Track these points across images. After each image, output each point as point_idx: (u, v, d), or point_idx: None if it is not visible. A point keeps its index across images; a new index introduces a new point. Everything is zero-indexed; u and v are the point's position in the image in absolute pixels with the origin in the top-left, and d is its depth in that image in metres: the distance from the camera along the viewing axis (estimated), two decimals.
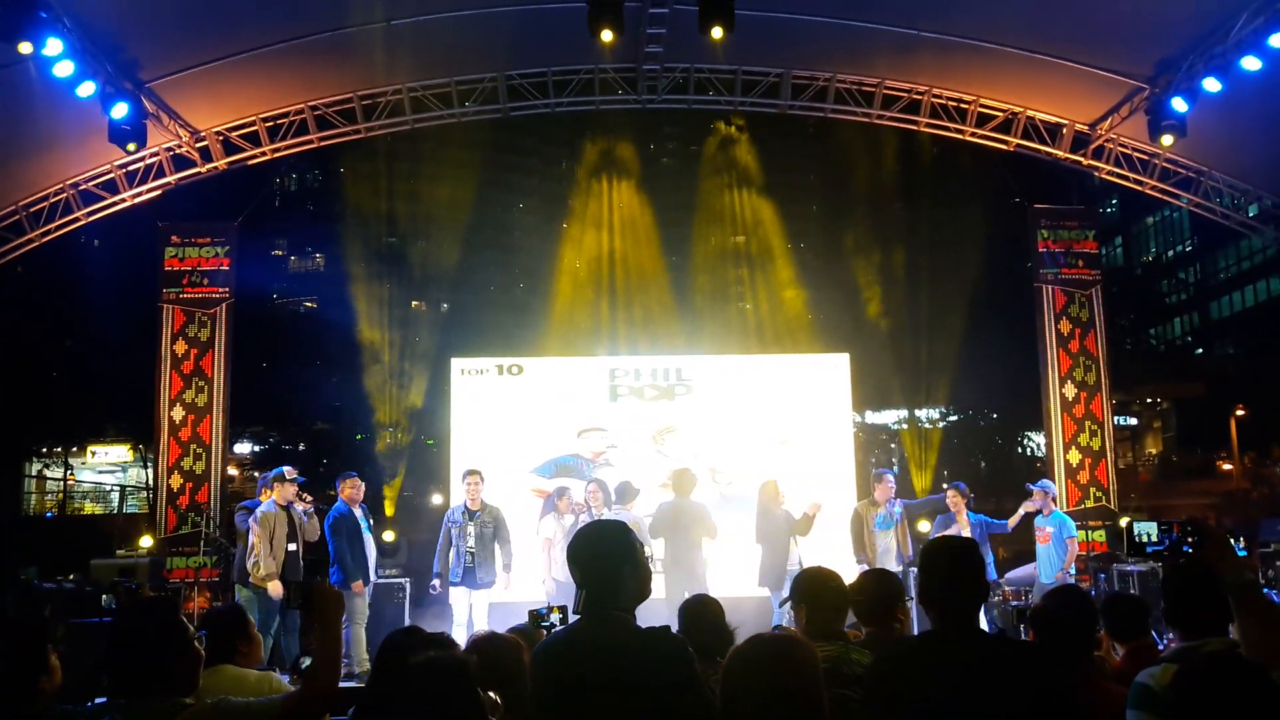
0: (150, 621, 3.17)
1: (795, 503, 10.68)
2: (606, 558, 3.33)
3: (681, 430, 12.67)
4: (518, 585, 10.55)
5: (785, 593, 7.74)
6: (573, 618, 3.42)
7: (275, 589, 9.24)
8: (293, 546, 9.73)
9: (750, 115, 14.82)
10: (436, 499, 15.01)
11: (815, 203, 28.47)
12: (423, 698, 2.43)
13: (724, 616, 4.47)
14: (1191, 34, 10.90)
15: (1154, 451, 38.80)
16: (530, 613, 4.32)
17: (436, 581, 10.37)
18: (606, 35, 10.18)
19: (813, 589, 4.04)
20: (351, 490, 10.19)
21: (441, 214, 28.57)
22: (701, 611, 4.32)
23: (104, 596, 10.23)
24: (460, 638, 9.85)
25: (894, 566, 10.18)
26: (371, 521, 10.43)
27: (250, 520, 9.68)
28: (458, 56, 12.49)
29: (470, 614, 10.14)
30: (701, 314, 25.40)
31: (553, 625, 4.14)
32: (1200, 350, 44.20)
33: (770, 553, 10.41)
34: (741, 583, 10.84)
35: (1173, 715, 2.84)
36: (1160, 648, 4.50)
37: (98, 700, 3.22)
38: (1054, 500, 11.17)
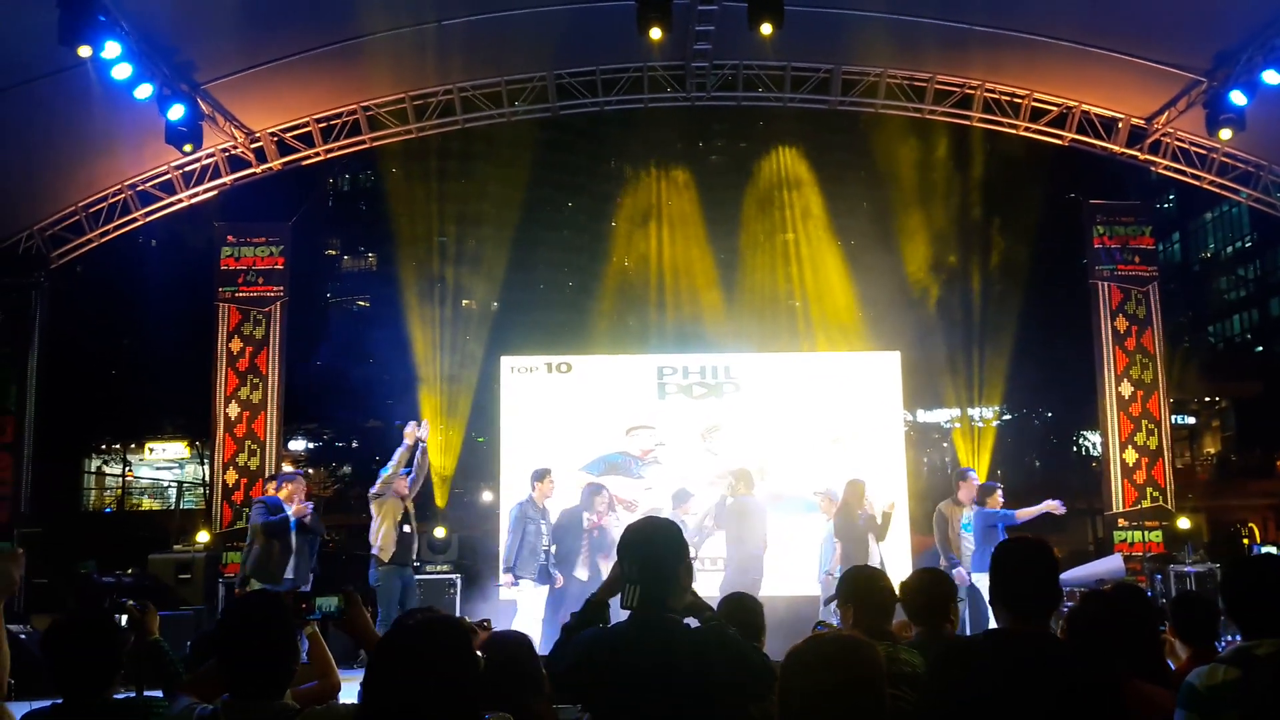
0: (264, 618, 3.10)
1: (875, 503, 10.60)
2: (666, 557, 3.33)
3: (729, 428, 12.64)
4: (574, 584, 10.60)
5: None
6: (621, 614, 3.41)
7: None
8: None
9: (800, 111, 14.70)
10: (486, 496, 15.12)
11: (866, 199, 28.26)
12: (415, 656, 2.43)
13: (762, 616, 4.46)
14: (1250, 25, 10.70)
15: (1212, 451, 38.10)
16: (573, 615, 4.32)
17: (509, 577, 10.31)
18: (655, 33, 10.18)
19: (860, 588, 4.03)
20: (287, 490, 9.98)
21: (492, 213, 28.72)
22: (737, 611, 4.30)
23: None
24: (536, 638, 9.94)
25: (977, 569, 10.03)
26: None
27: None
28: (508, 56, 12.55)
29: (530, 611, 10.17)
30: (750, 311, 25.29)
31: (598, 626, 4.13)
32: (1260, 348, 43.36)
33: (850, 553, 10.17)
34: (789, 583, 10.84)
35: (1216, 716, 2.84)
36: (1220, 650, 4.41)
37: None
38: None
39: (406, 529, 9.98)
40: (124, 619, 4.09)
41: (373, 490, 10.13)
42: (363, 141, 13.26)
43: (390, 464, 10.08)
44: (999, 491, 10.77)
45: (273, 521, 9.52)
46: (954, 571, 9.82)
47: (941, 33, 11.76)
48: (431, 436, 15.88)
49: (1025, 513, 10.76)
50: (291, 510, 9.59)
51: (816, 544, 10.88)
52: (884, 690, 2.63)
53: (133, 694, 3.95)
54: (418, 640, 2.46)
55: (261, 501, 9.86)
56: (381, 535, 9.90)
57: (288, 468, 15.61)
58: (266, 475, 13.13)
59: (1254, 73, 10.76)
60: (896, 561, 10.65)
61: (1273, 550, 13.96)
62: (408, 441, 10.14)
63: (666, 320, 26.79)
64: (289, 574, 9.55)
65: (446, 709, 2.32)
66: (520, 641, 3.33)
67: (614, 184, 31.14)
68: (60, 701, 3.34)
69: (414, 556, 10.27)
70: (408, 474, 10.08)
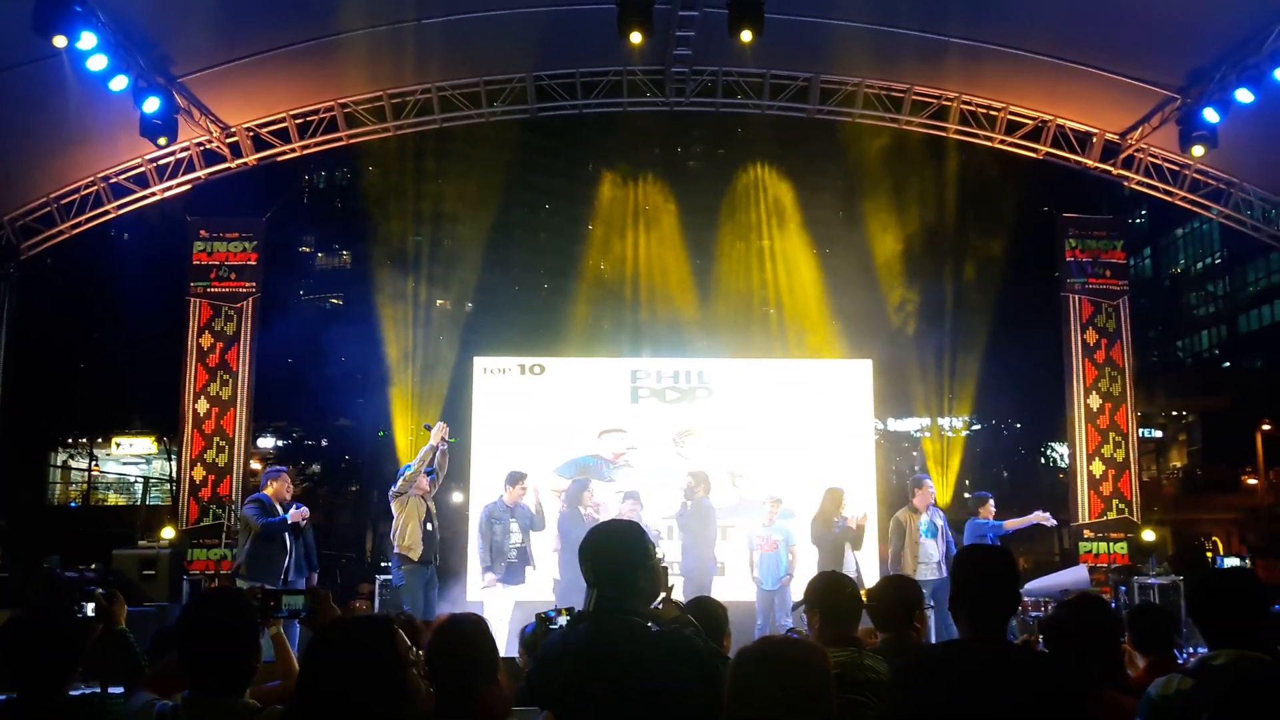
0: (225, 614, 3.08)
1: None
2: (620, 557, 3.32)
3: (702, 433, 12.65)
4: (543, 584, 10.61)
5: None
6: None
7: None
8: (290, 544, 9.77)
9: (778, 119, 14.78)
10: (456, 496, 15.09)
11: (842, 208, 28.44)
12: (337, 653, 2.45)
13: (725, 619, 4.48)
14: (1224, 44, 10.82)
15: (1178, 464, 38.49)
16: (538, 616, 4.30)
17: (490, 576, 10.29)
18: (636, 37, 10.21)
19: (827, 594, 4.03)
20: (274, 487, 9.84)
21: (468, 214, 28.67)
22: (700, 614, 4.31)
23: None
24: (501, 639, 9.94)
25: (935, 575, 10.11)
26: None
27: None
28: (487, 57, 12.53)
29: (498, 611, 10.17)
30: (725, 317, 25.35)
31: (561, 628, 4.11)
32: (1227, 364, 43.82)
33: (825, 561, 10.17)
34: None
35: None
36: (1181, 662, 4.47)
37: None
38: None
39: (430, 527, 9.98)
40: (91, 607, 4.05)
41: (394, 489, 10.08)
42: (339, 139, 13.20)
43: (413, 464, 10.08)
44: (990, 501, 10.88)
45: (273, 523, 9.43)
46: None
47: (920, 44, 11.83)
48: (402, 436, 15.89)
49: (1014, 523, 10.89)
50: (291, 515, 9.53)
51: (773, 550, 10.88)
52: (830, 694, 2.65)
53: (96, 689, 3.91)
54: (340, 638, 2.48)
55: (256, 500, 9.70)
56: (408, 534, 9.87)
57: (255, 465, 15.51)
58: (237, 472, 13.07)
59: (1227, 91, 10.87)
60: (865, 570, 10.70)
61: (1236, 563, 14.10)
62: (433, 441, 10.16)
63: (641, 324, 26.82)
64: (288, 574, 9.54)
65: (370, 703, 2.34)
66: (471, 624, 3.30)
67: (591, 187, 31.10)
68: (14, 697, 3.31)
69: (437, 555, 10.25)
70: (430, 474, 10.11)
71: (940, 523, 10.62)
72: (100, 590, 4.18)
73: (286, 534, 9.51)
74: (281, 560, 9.45)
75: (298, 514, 9.50)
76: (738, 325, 24.61)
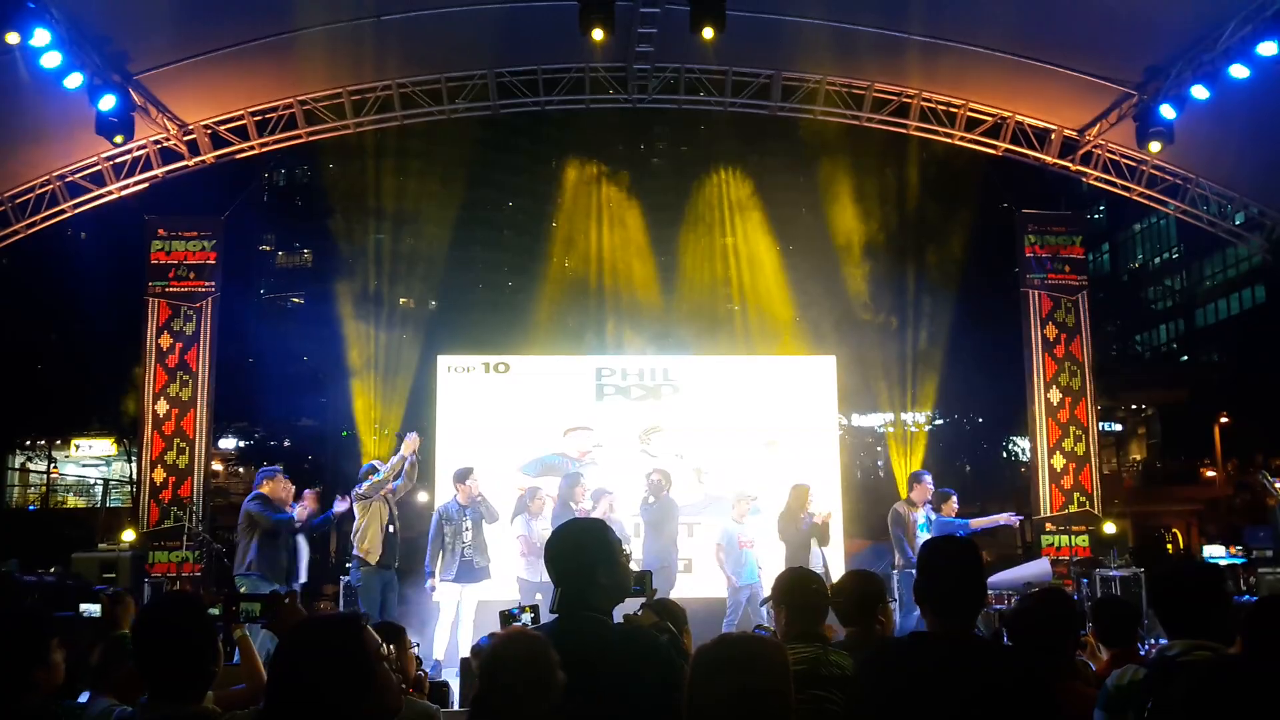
0: (180, 619, 3.05)
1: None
2: (582, 556, 3.32)
3: (667, 430, 12.65)
4: (506, 584, 10.58)
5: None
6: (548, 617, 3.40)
7: None
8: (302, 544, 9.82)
9: (741, 116, 14.82)
10: (422, 496, 14.99)
11: (805, 205, 28.56)
12: (312, 651, 2.44)
13: (685, 618, 4.49)
14: (1180, 41, 10.93)
15: (1138, 457, 38.94)
16: (501, 613, 4.27)
17: (432, 581, 10.37)
18: (598, 34, 10.18)
19: (793, 590, 4.04)
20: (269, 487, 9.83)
21: (430, 211, 28.54)
22: (661, 614, 4.32)
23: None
24: (443, 637, 9.94)
25: None
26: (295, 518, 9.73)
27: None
28: (448, 53, 12.46)
29: (459, 611, 10.15)
30: (689, 314, 25.39)
31: (524, 626, 4.10)
32: (1185, 357, 44.34)
33: (792, 557, 10.20)
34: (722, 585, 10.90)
35: (1122, 712, 2.98)
36: (1143, 654, 4.52)
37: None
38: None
39: (391, 529, 9.99)
40: (93, 608, 3.99)
41: (358, 491, 10.05)
42: (299, 136, 13.08)
43: (381, 470, 10.07)
44: (954, 498, 10.96)
45: (286, 519, 9.43)
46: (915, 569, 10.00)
47: (880, 41, 11.87)
48: (366, 436, 15.81)
49: (980, 522, 10.99)
50: (296, 511, 9.49)
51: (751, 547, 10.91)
52: (789, 690, 2.65)
53: (103, 699, 3.80)
54: (309, 638, 2.47)
55: (260, 498, 9.64)
56: (368, 538, 9.89)
57: (216, 466, 15.36)
58: (198, 474, 12.93)
59: (1183, 87, 10.99)
60: (831, 565, 10.75)
61: (1220, 550, 14.22)
62: (404, 452, 10.15)
63: (606, 321, 26.81)
64: (302, 576, 9.65)
65: (342, 701, 2.32)
66: (518, 645, 2.93)
67: (555, 185, 31.07)
68: None
69: (396, 558, 10.23)
70: (398, 479, 10.13)
71: (935, 518, 10.71)
72: (110, 590, 4.10)
73: (289, 533, 9.56)
74: (286, 559, 9.52)
75: (303, 511, 9.59)
76: (702, 322, 24.66)
